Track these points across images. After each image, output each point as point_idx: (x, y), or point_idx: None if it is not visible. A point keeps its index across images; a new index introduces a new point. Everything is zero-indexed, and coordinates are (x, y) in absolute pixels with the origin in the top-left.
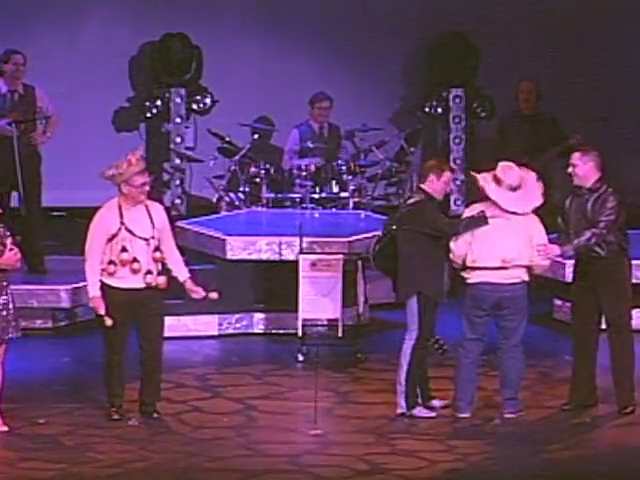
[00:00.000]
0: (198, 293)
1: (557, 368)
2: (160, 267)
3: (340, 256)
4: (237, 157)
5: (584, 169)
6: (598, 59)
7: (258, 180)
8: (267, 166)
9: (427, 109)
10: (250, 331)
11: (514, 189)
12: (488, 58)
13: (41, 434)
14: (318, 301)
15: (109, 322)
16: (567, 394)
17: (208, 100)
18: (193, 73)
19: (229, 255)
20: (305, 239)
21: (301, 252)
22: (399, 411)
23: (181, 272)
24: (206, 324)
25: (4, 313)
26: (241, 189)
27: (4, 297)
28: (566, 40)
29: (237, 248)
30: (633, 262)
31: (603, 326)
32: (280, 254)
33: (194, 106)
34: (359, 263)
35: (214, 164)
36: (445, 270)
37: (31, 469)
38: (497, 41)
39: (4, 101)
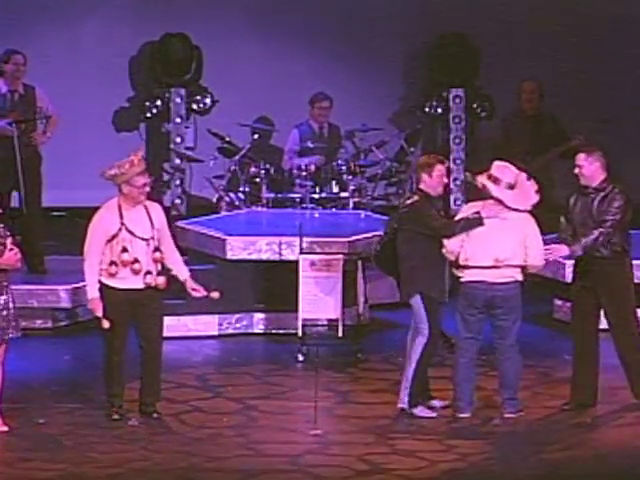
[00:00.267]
0: (199, 292)
1: (557, 368)
2: (160, 267)
3: (340, 256)
4: (237, 157)
5: (590, 169)
6: (598, 59)
7: (258, 180)
8: (267, 166)
9: (427, 109)
10: (250, 331)
11: (511, 187)
12: (488, 58)
13: (41, 434)
14: (318, 301)
15: (106, 324)
16: (567, 394)
17: (208, 100)
18: (193, 73)
19: (229, 255)
20: (305, 239)
21: (301, 252)
22: (400, 406)
23: (181, 271)
24: (206, 324)
25: (4, 313)
26: (241, 189)
27: (4, 297)
28: (566, 40)
29: (237, 248)
30: (634, 262)
31: (602, 326)
32: (280, 254)
33: (194, 106)
34: (359, 263)
35: (214, 164)
36: (446, 269)
37: (31, 469)
38: (497, 41)
39: (4, 101)
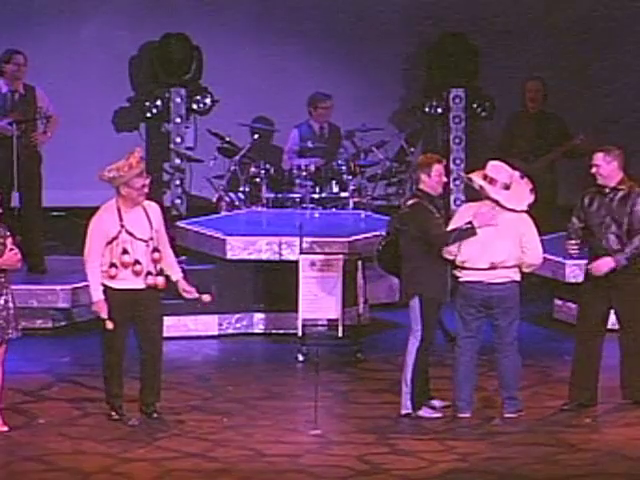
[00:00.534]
0: (190, 293)
1: (557, 368)
2: (159, 267)
3: (340, 256)
4: (237, 157)
5: (608, 169)
6: (599, 58)
7: (258, 180)
8: (267, 166)
9: (427, 109)
10: (250, 331)
11: (507, 187)
12: (488, 58)
13: (41, 434)
14: (318, 301)
15: (110, 326)
16: (567, 394)
17: (208, 100)
18: (193, 73)
19: (229, 255)
20: (305, 239)
21: (301, 252)
22: (404, 412)
23: (174, 271)
24: (206, 324)
25: (4, 313)
26: (241, 189)
27: (4, 297)
28: (566, 40)
29: (237, 248)
30: None
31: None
32: (280, 254)
33: (194, 106)
34: (359, 263)
35: (214, 164)
36: (448, 269)
37: (31, 469)
38: (497, 41)
39: (5, 101)
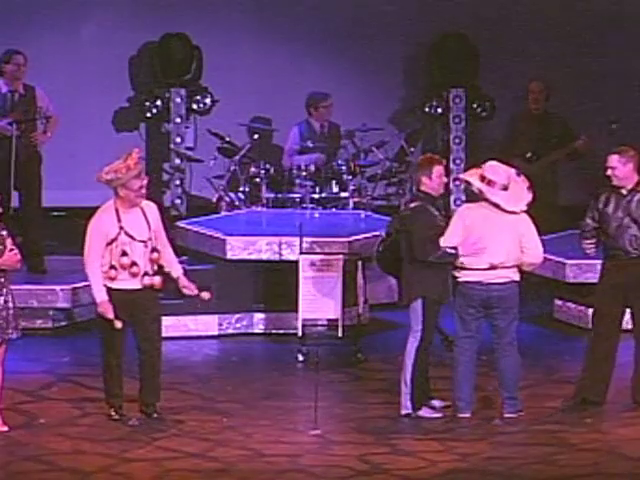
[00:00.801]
0: (190, 290)
1: (557, 368)
2: (156, 267)
3: (340, 256)
4: (237, 157)
5: (624, 171)
6: (600, 59)
7: (258, 180)
8: (267, 166)
9: (427, 109)
10: (250, 331)
11: (505, 188)
12: (488, 58)
13: (41, 434)
14: (318, 301)
15: (119, 325)
16: (567, 394)
17: (208, 100)
18: (193, 73)
19: (229, 255)
20: (305, 239)
21: (301, 252)
22: (404, 412)
23: (175, 268)
24: (206, 324)
25: (4, 313)
26: (241, 189)
27: (4, 297)
28: (567, 40)
29: (237, 248)
30: None
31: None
32: (280, 254)
33: (194, 106)
34: (359, 263)
35: (214, 164)
36: (449, 270)
37: (31, 469)
38: (497, 41)
39: (4, 101)
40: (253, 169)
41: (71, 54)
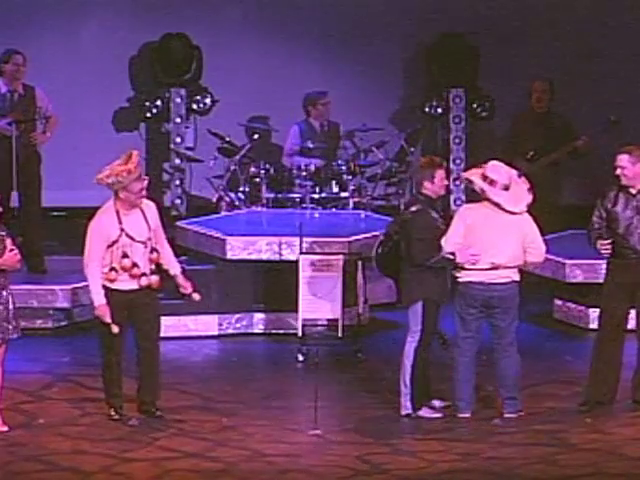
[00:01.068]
0: (186, 289)
1: (557, 368)
2: (153, 266)
3: (340, 256)
4: (237, 157)
5: (633, 170)
6: (601, 58)
7: (258, 180)
8: (267, 166)
9: (427, 109)
10: (250, 331)
11: (506, 188)
12: (488, 58)
13: (41, 434)
14: (318, 301)
15: (116, 329)
16: (567, 394)
17: (208, 100)
18: (193, 73)
19: (229, 255)
20: (305, 239)
21: (301, 252)
22: (404, 412)
23: (173, 267)
24: (206, 324)
25: (4, 314)
26: (241, 189)
27: (4, 297)
28: (567, 40)
29: (237, 248)
30: None
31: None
32: (280, 254)
33: (194, 106)
34: (359, 263)
35: (214, 164)
36: (448, 272)
37: (31, 469)
38: (497, 41)
39: (4, 101)
40: (253, 169)
41: (71, 54)
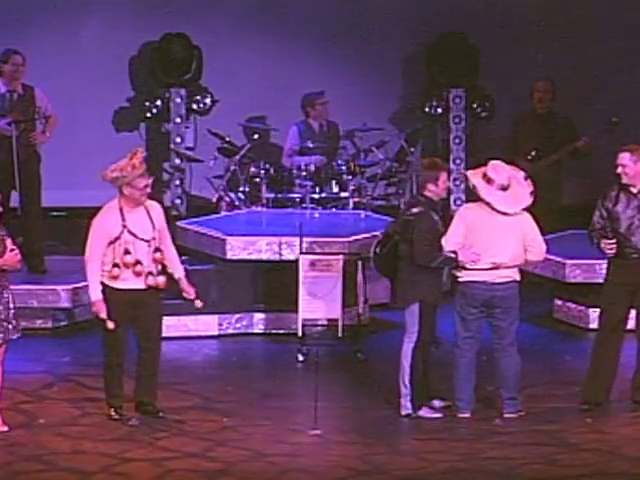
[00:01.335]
0: (189, 293)
1: (557, 368)
2: (160, 267)
3: (340, 256)
4: (237, 157)
5: (634, 169)
6: (601, 58)
7: (258, 180)
8: (267, 166)
9: (427, 109)
10: (250, 331)
11: (504, 189)
12: (488, 58)
13: (41, 434)
14: (318, 301)
15: (111, 325)
16: (567, 394)
17: (208, 100)
18: (193, 73)
19: (229, 255)
20: (305, 239)
21: (301, 252)
22: (404, 412)
23: (177, 270)
24: (206, 324)
25: (4, 314)
26: (241, 189)
27: (4, 298)
28: (567, 40)
29: (237, 248)
30: None
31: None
32: (280, 254)
33: (194, 106)
34: (359, 263)
35: (214, 164)
36: (444, 273)
37: (31, 469)
38: (497, 41)
39: (3, 101)
40: (253, 169)
41: (71, 54)
